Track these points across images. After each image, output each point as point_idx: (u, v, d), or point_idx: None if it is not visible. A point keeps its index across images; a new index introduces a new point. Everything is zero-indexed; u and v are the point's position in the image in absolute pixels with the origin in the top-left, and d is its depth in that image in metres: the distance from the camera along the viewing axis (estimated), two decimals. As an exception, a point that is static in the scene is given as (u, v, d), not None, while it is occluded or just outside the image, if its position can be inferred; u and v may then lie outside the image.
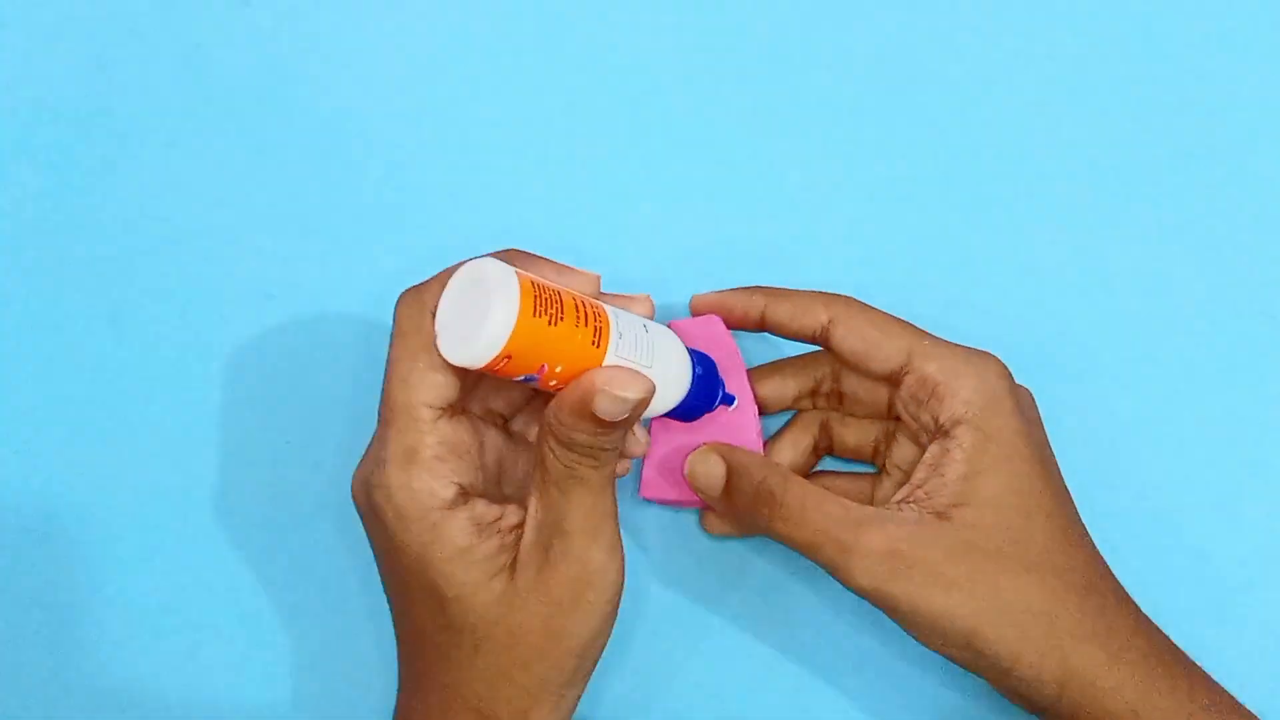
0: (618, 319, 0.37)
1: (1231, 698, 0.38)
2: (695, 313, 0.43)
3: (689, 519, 0.44)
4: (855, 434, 0.43)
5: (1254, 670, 0.41)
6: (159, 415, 0.45)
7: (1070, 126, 0.47)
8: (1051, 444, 0.40)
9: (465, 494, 0.37)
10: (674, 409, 0.39)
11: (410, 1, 0.47)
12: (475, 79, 0.46)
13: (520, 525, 0.37)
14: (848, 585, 0.37)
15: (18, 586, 0.44)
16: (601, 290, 0.39)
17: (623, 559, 0.37)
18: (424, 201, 0.46)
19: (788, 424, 0.44)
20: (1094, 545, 0.39)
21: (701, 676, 0.44)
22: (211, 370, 0.45)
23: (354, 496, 0.38)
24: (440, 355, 0.35)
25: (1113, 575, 0.39)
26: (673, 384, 0.39)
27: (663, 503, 0.44)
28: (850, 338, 0.40)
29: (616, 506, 0.37)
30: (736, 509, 0.40)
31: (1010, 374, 0.39)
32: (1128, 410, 0.45)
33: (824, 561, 0.38)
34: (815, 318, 0.40)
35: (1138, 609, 0.39)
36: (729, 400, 0.41)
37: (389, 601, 0.39)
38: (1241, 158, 0.46)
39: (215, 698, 0.44)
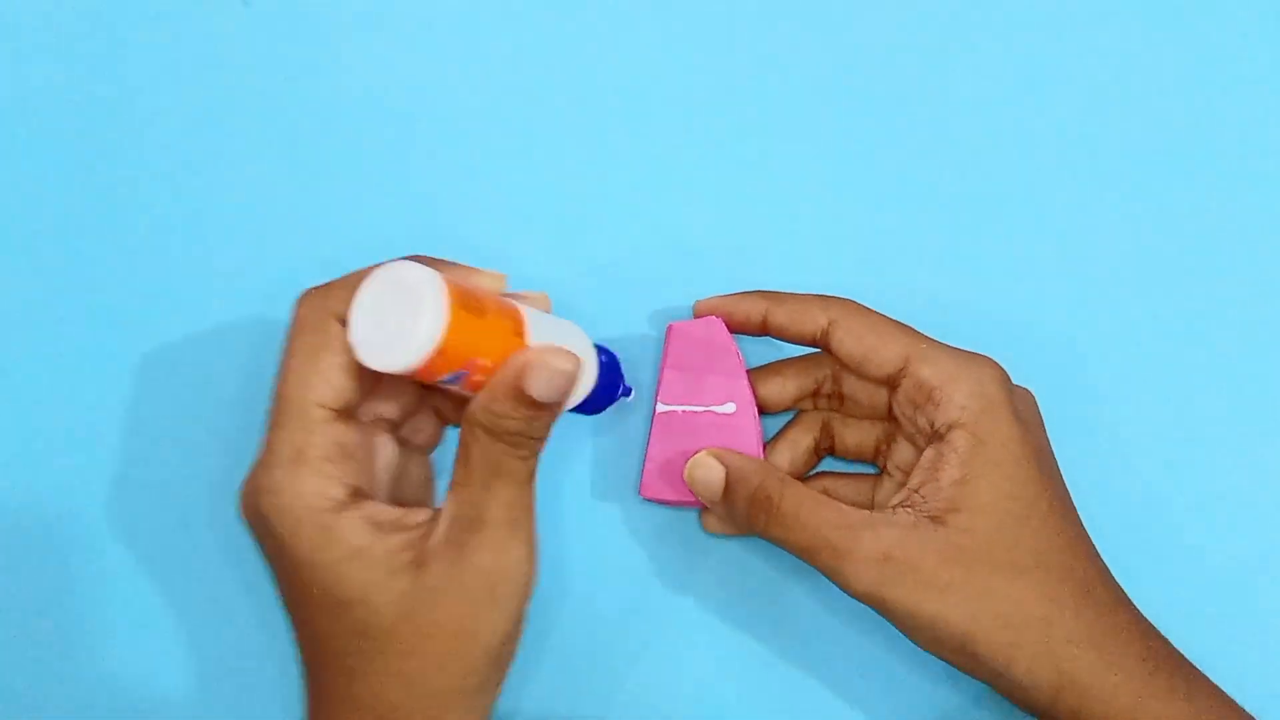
0: (527, 311, 0.37)
1: (1232, 701, 0.38)
2: (697, 316, 0.43)
3: (689, 519, 0.44)
4: (856, 435, 0.43)
5: (1254, 673, 0.41)
6: (159, 415, 0.45)
7: (1074, 131, 0.47)
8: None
9: (358, 495, 0.36)
10: (582, 401, 0.39)
11: (415, 1, 0.47)
12: (478, 78, 0.46)
13: (424, 524, 0.36)
14: (844, 589, 0.37)
15: (18, 587, 0.44)
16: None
17: (537, 556, 0.36)
18: (425, 201, 0.46)
19: (788, 424, 0.44)
20: (1093, 547, 0.39)
21: (701, 676, 0.44)
22: (211, 371, 0.45)
23: (241, 509, 0.36)
24: (341, 356, 0.35)
25: (1112, 578, 0.39)
26: (588, 369, 0.38)
27: (662, 503, 0.44)
28: (849, 341, 0.40)
29: (534, 502, 0.36)
30: (734, 513, 0.40)
31: (1008, 377, 0.39)
32: (1127, 411, 0.45)
33: (820, 566, 0.38)
34: (815, 321, 0.41)
35: (1137, 612, 0.39)
36: (627, 392, 0.42)
37: (288, 617, 0.37)
38: (1242, 158, 0.46)
39: (215, 698, 0.44)
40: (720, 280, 0.44)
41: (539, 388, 0.34)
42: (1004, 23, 0.47)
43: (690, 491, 0.41)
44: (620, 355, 0.41)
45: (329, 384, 0.35)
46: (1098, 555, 0.39)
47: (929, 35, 0.47)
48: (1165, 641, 0.39)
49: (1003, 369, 0.39)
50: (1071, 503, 0.40)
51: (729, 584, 0.44)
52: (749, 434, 0.42)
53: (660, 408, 0.43)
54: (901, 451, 0.41)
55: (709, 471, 0.40)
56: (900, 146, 0.46)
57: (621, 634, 0.44)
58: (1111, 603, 0.38)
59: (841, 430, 0.44)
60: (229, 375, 0.45)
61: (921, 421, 0.39)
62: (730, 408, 0.42)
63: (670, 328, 0.43)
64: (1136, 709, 0.36)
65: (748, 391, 0.42)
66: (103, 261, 0.45)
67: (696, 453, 0.41)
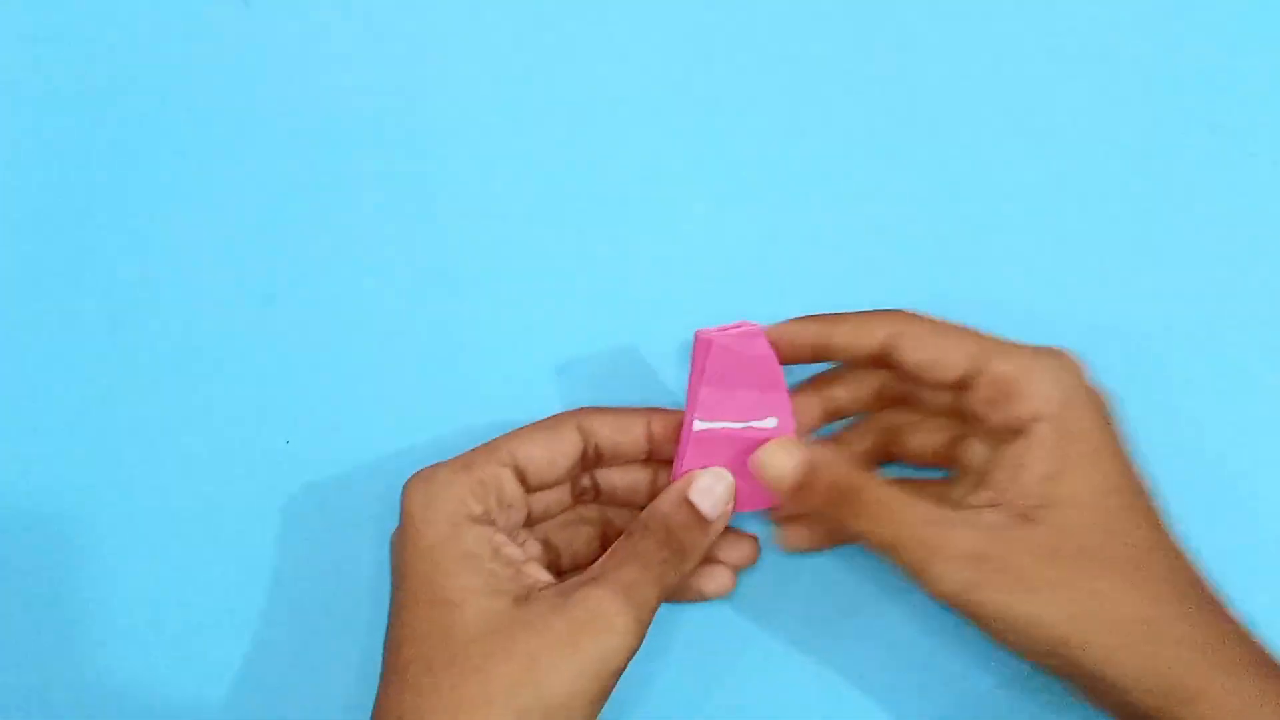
0: None
1: None
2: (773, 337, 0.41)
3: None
4: (921, 438, 0.41)
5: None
6: (159, 415, 0.44)
7: (1123, 142, 0.46)
8: None
9: (492, 524, 0.37)
10: None
11: (414, 1, 0.47)
12: (480, 78, 0.46)
13: (539, 581, 0.37)
14: (929, 590, 0.35)
15: (17, 586, 0.44)
16: None
17: (637, 643, 0.35)
18: (424, 201, 0.46)
19: (845, 429, 0.42)
20: (1184, 550, 0.37)
21: (700, 675, 0.44)
22: (211, 371, 0.45)
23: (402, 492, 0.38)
24: (572, 453, 0.39)
25: (1208, 582, 0.37)
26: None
27: None
28: (914, 349, 0.38)
29: (657, 605, 0.37)
30: (810, 505, 0.38)
31: (1085, 370, 0.38)
32: (1197, 411, 0.44)
33: (905, 563, 0.36)
34: (873, 336, 0.39)
35: (1238, 618, 0.36)
36: None
37: (391, 597, 0.38)
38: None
39: (216, 698, 0.44)
40: (738, 286, 0.43)
41: (706, 504, 0.38)
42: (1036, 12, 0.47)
43: (738, 504, 0.40)
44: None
45: (550, 455, 0.39)
46: (1190, 557, 0.37)
47: (952, 34, 0.47)
48: (1269, 650, 0.36)
49: (1079, 361, 0.38)
50: (1158, 503, 0.37)
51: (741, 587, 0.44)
52: None
53: (698, 425, 0.40)
54: (975, 451, 0.39)
55: (784, 459, 0.38)
56: (931, 147, 0.46)
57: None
58: (1214, 606, 0.36)
59: (905, 434, 0.42)
60: (229, 374, 0.45)
61: (999, 418, 0.37)
62: (772, 423, 0.40)
63: (708, 340, 0.40)
64: (1246, 717, 0.34)
65: (788, 407, 0.40)
66: (102, 260, 0.45)
67: (734, 473, 0.39)
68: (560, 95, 0.46)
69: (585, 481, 0.41)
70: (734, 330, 0.40)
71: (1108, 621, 0.34)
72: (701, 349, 0.40)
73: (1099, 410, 0.37)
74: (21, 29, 0.46)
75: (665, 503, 0.38)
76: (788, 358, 0.40)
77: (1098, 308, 0.45)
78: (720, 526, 0.39)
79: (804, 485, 0.38)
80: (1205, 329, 0.45)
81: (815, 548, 0.42)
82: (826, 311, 0.40)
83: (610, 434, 0.40)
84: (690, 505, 0.38)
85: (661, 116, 0.46)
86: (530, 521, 0.40)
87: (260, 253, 0.45)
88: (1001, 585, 0.35)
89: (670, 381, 0.45)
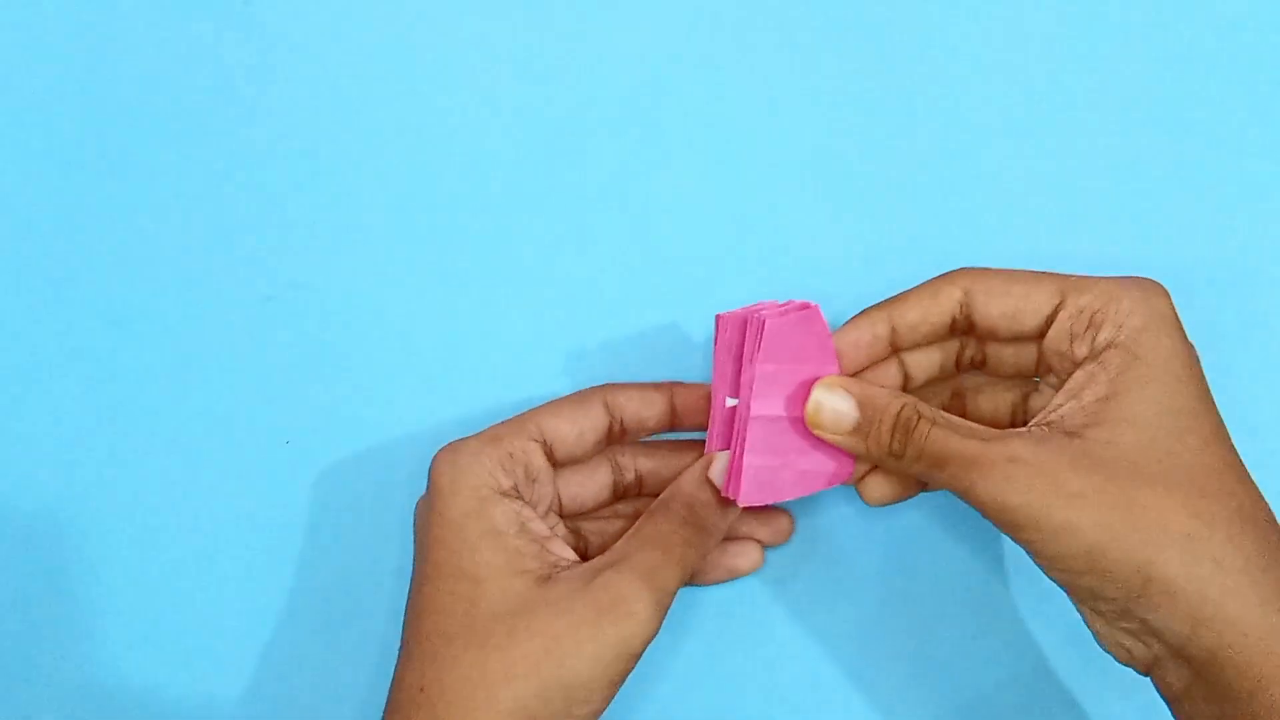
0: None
1: None
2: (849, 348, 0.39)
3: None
4: (991, 399, 0.41)
5: None
6: (159, 415, 0.44)
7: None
8: None
9: (519, 499, 0.37)
10: None
11: (415, 1, 0.47)
12: (482, 77, 0.46)
13: (564, 560, 0.37)
14: (970, 502, 0.35)
15: (17, 587, 0.44)
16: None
17: (655, 627, 0.35)
18: (425, 201, 0.46)
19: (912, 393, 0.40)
20: (1257, 488, 0.35)
21: (700, 675, 0.44)
22: (211, 371, 0.45)
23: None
24: (600, 429, 0.40)
25: (1272, 515, 0.35)
26: None
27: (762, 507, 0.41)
28: (991, 303, 0.37)
29: (678, 588, 0.37)
30: (872, 445, 0.37)
31: (1167, 298, 0.36)
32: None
33: (949, 482, 0.35)
34: (950, 299, 0.38)
35: None
36: None
37: (414, 568, 0.38)
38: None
39: (215, 697, 0.44)
40: (760, 269, 0.43)
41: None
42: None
43: (796, 487, 0.39)
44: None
45: (578, 429, 0.39)
46: (1262, 495, 0.35)
47: (951, 32, 0.47)
48: None
49: (1162, 289, 0.36)
50: (1232, 442, 0.36)
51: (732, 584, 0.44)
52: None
53: (757, 410, 0.38)
54: (1045, 398, 0.39)
55: (838, 401, 0.38)
56: (945, 135, 0.45)
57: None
58: (1271, 537, 0.34)
59: (976, 394, 0.41)
60: (229, 374, 0.45)
61: (1080, 350, 0.36)
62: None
63: (760, 320, 0.38)
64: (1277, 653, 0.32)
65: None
66: (101, 260, 0.45)
67: (794, 454, 0.39)
68: (573, 80, 0.46)
69: (630, 476, 0.42)
70: (787, 308, 0.39)
71: (1144, 533, 0.33)
72: (748, 329, 0.39)
73: (1173, 336, 0.35)
74: (22, 29, 0.46)
75: (687, 482, 0.39)
76: (859, 364, 0.39)
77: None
78: (740, 507, 0.39)
79: (863, 424, 0.37)
80: (1206, 327, 0.45)
81: (898, 497, 0.40)
82: (883, 298, 0.39)
83: (636, 408, 0.40)
84: (711, 485, 0.39)
85: (687, 97, 0.46)
86: (565, 513, 0.41)
87: (260, 252, 0.45)
88: (1037, 489, 0.34)
89: (686, 361, 0.44)
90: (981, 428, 0.36)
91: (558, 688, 0.34)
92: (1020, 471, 0.34)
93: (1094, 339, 0.36)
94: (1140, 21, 0.46)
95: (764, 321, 0.38)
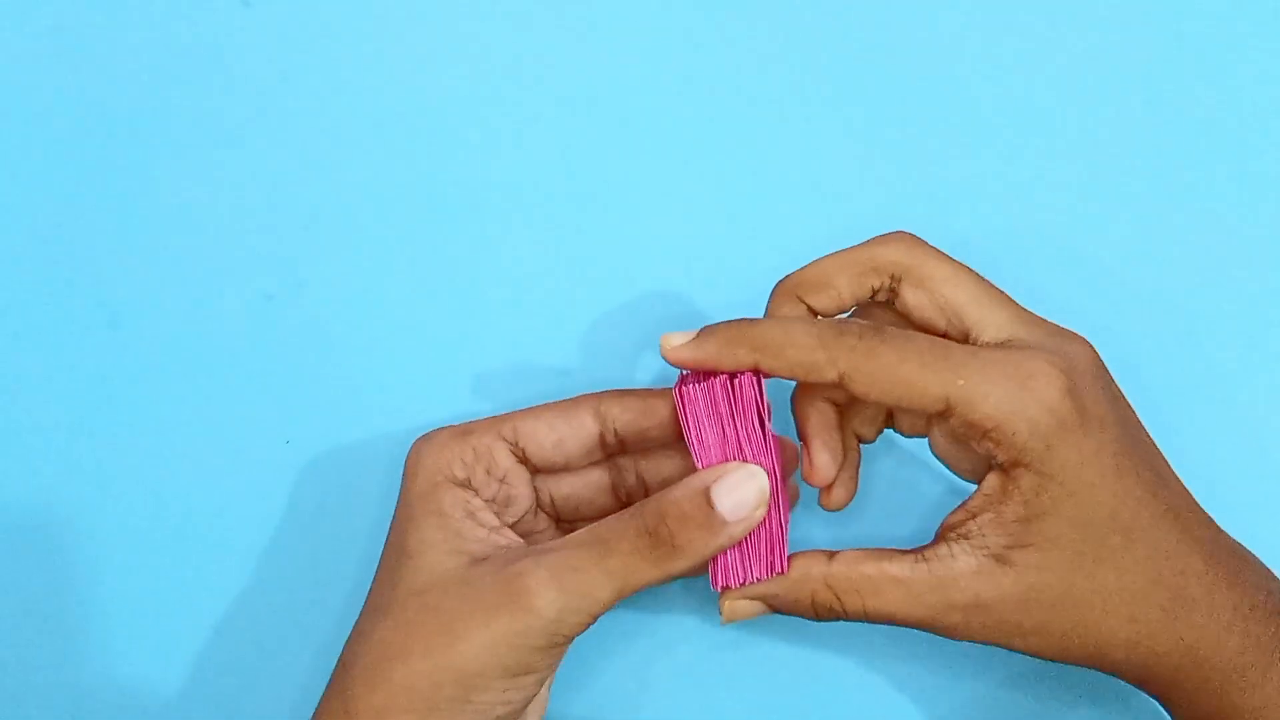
0: None
1: None
2: (673, 364, 0.36)
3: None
4: (911, 420, 0.39)
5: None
6: (159, 415, 0.44)
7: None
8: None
9: (473, 490, 0.37)
10: None
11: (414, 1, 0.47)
12: (481, 77, 0.46)
13: (511, 547, 0.36)
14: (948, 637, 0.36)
15: (17, 587, 0.44)
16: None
17: (567, 630, 0.34)
18: (426, 201, 0.46)
19: (845, 405, 0.38)
20: (1211, 529, 0.36)
21: (700, 673, 0.44)
22: (211, 370, 0.45)
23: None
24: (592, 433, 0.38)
25: (1245, 564, 0.36)
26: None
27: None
28: (876, 390, 0.34)
29: (607, 599, 0.34)
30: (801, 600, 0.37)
31: (1073, 379, 0.34)
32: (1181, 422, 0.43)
33: (916, 626, 0.36)
34: (821, 374, 0.34)
35: (1268, 598, 0.35)
36: None
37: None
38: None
39: (216, 697, 0.44)
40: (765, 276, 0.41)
41: (727, 504, 0.34)
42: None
43: (771, 566, 0.37)
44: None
45: (557, 436, 0.38)
46: (1220, 535, 0.36)
47: (947, 30, 0.47)
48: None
49: (1064, 369, 0.34)
50: (1172, 482, 0.36)
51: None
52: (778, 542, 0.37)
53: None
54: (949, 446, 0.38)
55: (748, 609, 0.37)
56: (942, 143, 0.46)
57: (613, 632, 0.44)
58: (1213, 592, 0.35)
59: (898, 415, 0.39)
60: (229, 374, 0.45)
61: (985, 448, 0.35)
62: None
63: (681, 392, 0.35)
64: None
65: (775, 446, 0.36)
66: (101, 259, 0.45)
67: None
68: (560, 96, 0.46)
69: (631, 478, 0.40)
70: (710, 378, 0.36)
71: (1099, 649, 0.35)
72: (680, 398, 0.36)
73: (1079, 434, 0.34)
74: (23, 29, 0.46)
75: (679, 491, 0.34)
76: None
77: (1095, 305, 0.45)
78: (737, 533, 0.35)
79: (784, 610, 0.38)
80: (1205, 327, 0.45)
81: (850, 493, 0.40)
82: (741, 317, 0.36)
83: (632, 418, 0.38)
84: (707, 500, 0.34)
85: (689, 97, 0.46)
86: (560, 515, 0.40)
87: (260, 251, 0.45)
88: (994, 630, 0.35)
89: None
90: (906, 566, 0.36)
91: (449, 670, 0.33)
92: (977, 617, 0.35)
93: (994, 454, 0.35)
94: (1118, 38, 0.46)
95: (682, 391, 0.35)
